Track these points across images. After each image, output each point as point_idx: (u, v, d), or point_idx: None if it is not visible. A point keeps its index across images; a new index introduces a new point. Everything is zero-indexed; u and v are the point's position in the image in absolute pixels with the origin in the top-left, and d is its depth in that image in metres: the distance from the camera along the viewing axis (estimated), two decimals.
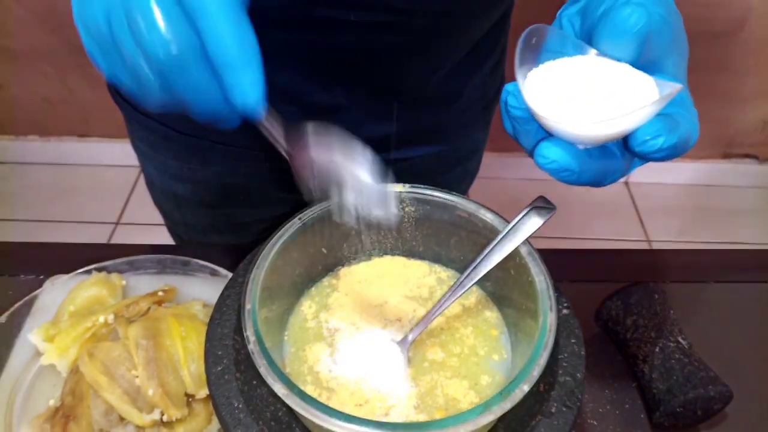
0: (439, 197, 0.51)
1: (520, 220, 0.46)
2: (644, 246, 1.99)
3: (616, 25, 0.38)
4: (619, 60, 0.40)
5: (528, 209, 0.46)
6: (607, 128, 0.36)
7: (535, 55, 0.41)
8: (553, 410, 0.42)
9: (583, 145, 0.38)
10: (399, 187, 0.51)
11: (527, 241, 0.47)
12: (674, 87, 0.37)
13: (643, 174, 2.16)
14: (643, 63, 0.39)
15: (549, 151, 0.37)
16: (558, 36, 0.42)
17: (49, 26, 1.79)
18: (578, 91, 0.39)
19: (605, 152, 0.39)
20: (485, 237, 0.49)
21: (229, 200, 0.77)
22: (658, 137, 0.37)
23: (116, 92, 0.72)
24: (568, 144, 0.38)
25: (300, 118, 0.61)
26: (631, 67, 0.39)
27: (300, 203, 0.77)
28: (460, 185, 0.86)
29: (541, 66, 0.41)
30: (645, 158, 0.39)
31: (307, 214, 0.50)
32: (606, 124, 0.36)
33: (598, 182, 0.39)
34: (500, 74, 0.77)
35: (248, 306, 0.43)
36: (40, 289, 0.63)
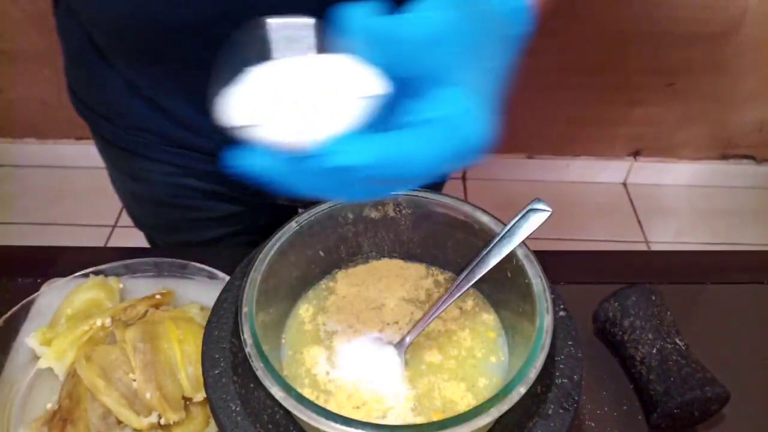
0: (436, 200, 0.51)
1: (516, 222, 0.46)
2: (642, 247, 1.99)
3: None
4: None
5: (524, 212, 0.46)
6: (301, 135, 0.32)
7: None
8: (550, 412, 0.42)
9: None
10: None
11: (524, 244, 0.47)
12: (377, 89, 0.32)
13: (641, 175, 2.17)
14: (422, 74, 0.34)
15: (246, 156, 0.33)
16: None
17: (47, 29, 1.78)
18: (280, 97, 0.33)
19: None
20: (482, 240, 0.49)
21: (182, 199, 0.78)
22: (340, 153, 0.31)
23: (77, 99, 0.73)
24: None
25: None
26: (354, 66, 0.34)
27: (252, 202, 0.75)
28: None
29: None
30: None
31: (304, 218, 0.50)
32: (299, 130, 0.32)
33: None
34: None
35: (245, 309, 0.43)
36: (38, 293, 0.63)
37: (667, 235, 2.04)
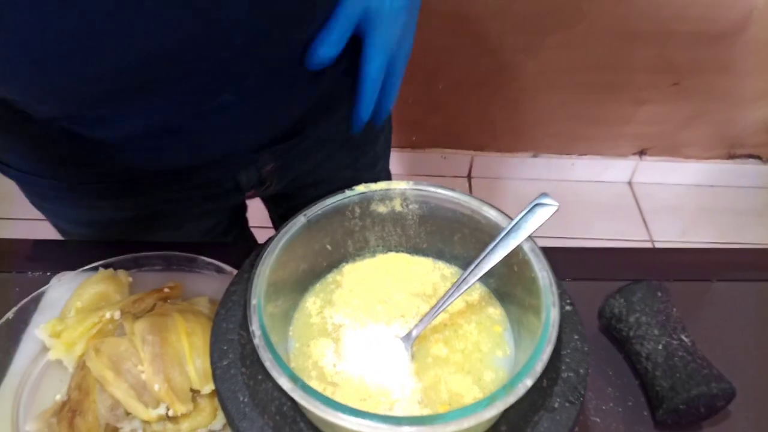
0: (443, 194, 0.51)
1: (523, 216, 0.46)
2: (647, 246, 1.99)
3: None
4: None
5: (531, 206, 0.47)
6: None
7: None
8: (556, 405, 0.42)
9: None
10: (403, 184, 0.52)
11: (530, 238, 0.47)
12: None
13: (646, 174, 2.17)
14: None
15: None
16: None
17: None
18: None
19: None
20: (488, 234, 0.50)
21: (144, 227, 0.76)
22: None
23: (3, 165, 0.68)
24: None
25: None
26: None
27: (218, 213, 0.79)
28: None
29: None
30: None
31: (312, 211, 0.50)
32: None
33: None
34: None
35: (254, 301, 0.43)
36: (47, 286, 0.63)
37: (673, 235, 2.03)
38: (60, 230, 0.80)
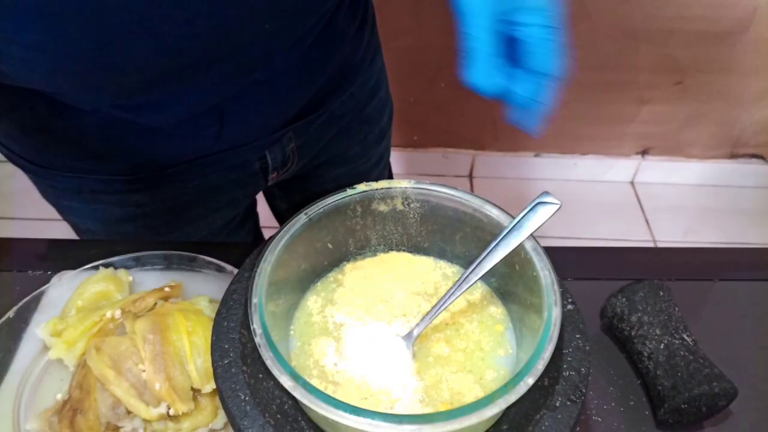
0: (445, 193, 0.51)
1: (525, 215, 0.46)
2: (650, 246, 1.99)
3: None
4: None
5: (533, 204, 0.46)
6: None
7: None
8: (558, 404, 0.42)
9: None
10: (405, 183, 0.52)
11: (532, 237, 0.47)
12: None
13: (649, 174, 2.16)
14: None
15: None
16: None
17: None
18: None
19: None
20: (490, 233, 0.49)
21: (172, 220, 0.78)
22: None
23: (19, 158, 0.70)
24: None
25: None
26: None
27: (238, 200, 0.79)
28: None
29: None
30: None
31: (314, 209, 0.50)
32: None
33: None
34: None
35: (255, 300, 0.43)
36: (48, 285, 0.63)
37: (675, 235, 2.03)
38: (76, 229, 0.82)
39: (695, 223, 2.07)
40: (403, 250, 0.56)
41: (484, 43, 0.42)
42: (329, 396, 0.37)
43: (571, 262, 0.71)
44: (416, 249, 0.56)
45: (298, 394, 0.38)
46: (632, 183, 2.19)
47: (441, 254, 0.56)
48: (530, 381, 0.38)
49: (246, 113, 0.66)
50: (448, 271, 0.55)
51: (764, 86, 1.92)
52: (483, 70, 0.43)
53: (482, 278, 0.47)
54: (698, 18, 1.73)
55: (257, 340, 0.41)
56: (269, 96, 0.66)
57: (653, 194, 2.15)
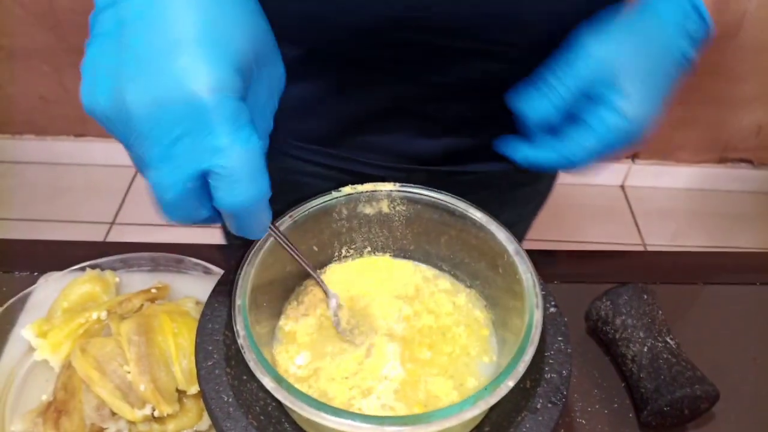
0: (429, 196, 0.52)
1: None
2: (639, 250, 2.00)
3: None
4: None
5: None
6: None
7: None
8: (539, 406, 0.42)
9: None
10: (389, 186, 0.52)
11: (515, 240, 0.47)
12: None
13: (638, 178, 2.17)
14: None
15: None
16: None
17: (46, 25, 1.80)
18: None
19: None
20: (474, 236, 0.50)
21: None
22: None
23: None
24: None
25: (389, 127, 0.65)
26: None
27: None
28: (527, 205, 0.83)
29: None
30: None
31: (298, 212, 0.50)
32: None
33: None
34: None
35: (238, 302, 0.43)
36: (34, 286, 0.63)
37: (665, 238, 2.04)
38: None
39: (685, 227, 2.08)
40: (388, 253, 0.57)
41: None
42: (312, 398, 0.38)
43: (557, 265, 0.72)
44: (401, 252, 0.57)
45: (281, 395, 0.38)
46: (622, 187, 2.20)
47: (426, 257, 0.56)
48: (510, 383, 0.39)
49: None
50: (429, 273, 0.55)
51: (753, 91, 1.93)
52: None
53: (468, 283, 0.47)
54: None
55: (240, 341, 0.41)
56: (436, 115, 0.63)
57: (643, 198, 2.16)
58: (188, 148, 0.34)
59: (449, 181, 0.71)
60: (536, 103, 0.48)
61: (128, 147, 0.36)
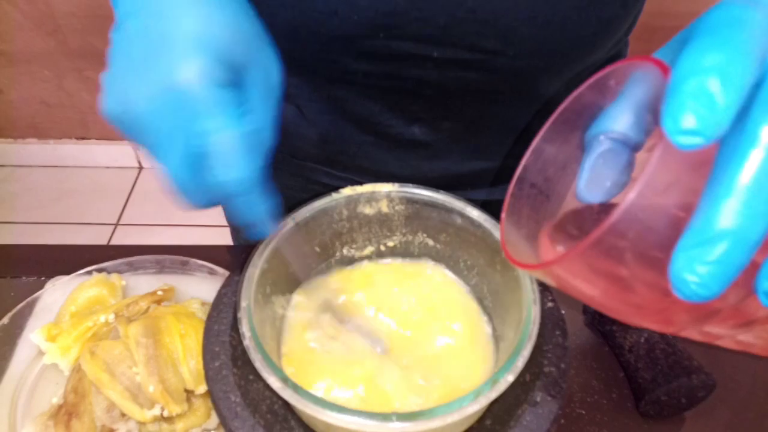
0: (428, 196, 0.53)
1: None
2: None
3: None
4: None
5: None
6: None
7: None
8: (538, 399, 0.44)
9: None
10: (388, 187, 0.53)
11: None
12: None
13: None
14: None
15: None
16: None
17: (47, 30, 1.81)
18: None
19: None
20: (473, 234, 0.51)
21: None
22: None
23: None
24: None
25: (379, 148, 0.64)
26: None
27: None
28: None
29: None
30: None
31: (301, 214, 0.51)
32: None
33: None
34: None
35: (244, 303, 0.44)
36: (42, 291, 0.64)
37: None
38: None
39: None
40: (390, 253, 0.58)
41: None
42: (317, 397, 0.39)
43: None
44: (402, 251, 0.58)
45: (287, 395, 0.39)
46: None
47: (425, 254, 0.57)
48: (510, 378, 0.40)
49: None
50: (435, 272, 0.56)
51: None
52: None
53: (466, 278, 0.48)
54: (682, 15, 1.74)
55: (246, 342, 0.42)
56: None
57: None
58: (182, 134, 0.37)
59: None
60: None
61: (141, 145, 0.39)
